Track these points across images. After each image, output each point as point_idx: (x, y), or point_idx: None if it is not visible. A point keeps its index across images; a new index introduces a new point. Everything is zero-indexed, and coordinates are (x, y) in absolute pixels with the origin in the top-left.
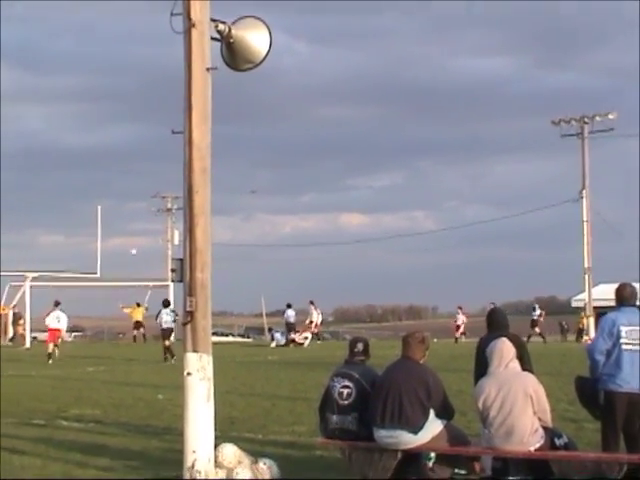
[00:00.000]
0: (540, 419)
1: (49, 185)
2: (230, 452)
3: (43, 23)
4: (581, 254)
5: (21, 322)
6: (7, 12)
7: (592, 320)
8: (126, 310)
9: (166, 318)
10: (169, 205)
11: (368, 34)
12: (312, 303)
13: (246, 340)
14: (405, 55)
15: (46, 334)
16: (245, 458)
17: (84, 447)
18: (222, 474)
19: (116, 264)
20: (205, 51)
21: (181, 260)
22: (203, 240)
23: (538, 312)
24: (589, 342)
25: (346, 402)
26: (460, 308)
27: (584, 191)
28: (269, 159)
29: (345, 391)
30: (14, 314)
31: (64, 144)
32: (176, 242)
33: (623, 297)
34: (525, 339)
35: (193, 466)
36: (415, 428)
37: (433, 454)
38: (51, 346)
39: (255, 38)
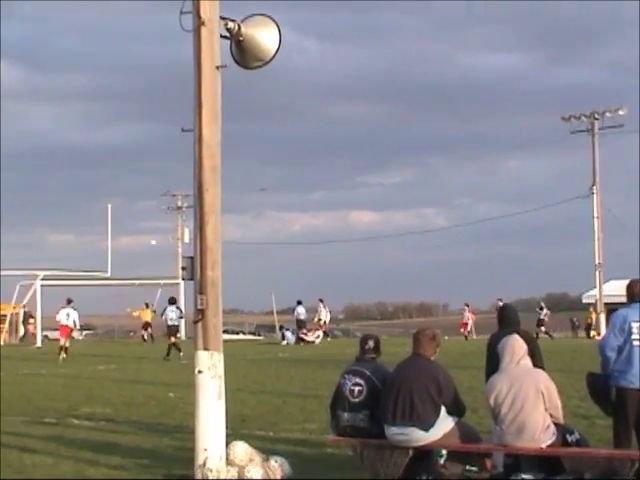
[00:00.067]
0: (552, 415)
1: (58, 184)
2: (241, 450)
3: (51, 22)
4: (592, 250)
5: (31, 321)
6: (16, 11)
7: (603, 316)
8: (135, 314)
9: (171, 315)
10: (179, 203)
11: (378, 31)
12: (321, 301)
13: (257, 338)
14: (415, 52)
15: (57, 332)
16: (256, 456)
17: (95, 445)
18: (233, 472)
19: (126, 263)
20: (215, 49)
21: (192, 258)
22: (213, 238)
23: (545, 311)
24: (597, 337)
25: (357, 399)
26: (467, 305)
27: (594, 187)
28: (279, 157)
29: (356, 388)
30: (24, 313)
31: (73, 143)
32: (186, 240)
33: (634, 293)
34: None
35: (204, 464)
36: (426, 425)
37: (444, 451)
38: (62, 340)
39: (265, 36)
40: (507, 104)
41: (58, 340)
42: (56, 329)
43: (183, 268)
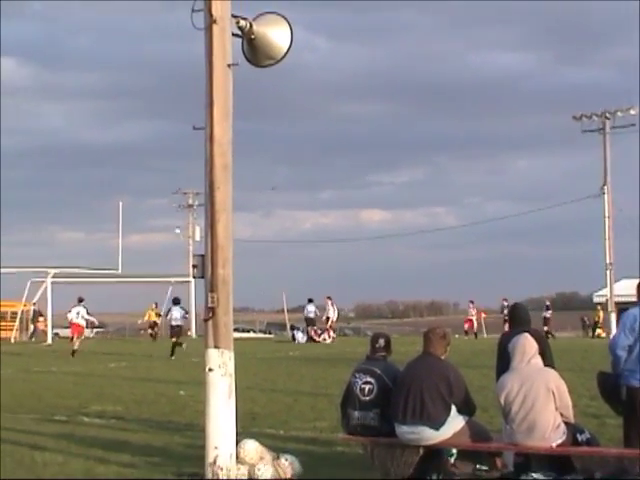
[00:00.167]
0: (562, 415)
1: (69, 182)
2: (252, 448)
3: (62, 21)
4: (603, 249)
5: (41, 319)
6: (27, 10)
7: (614, 316)
8: (145, 318)
9: (176, 315)
10: (190, 201)
11: (388, 30)
12: (329, 298)
13: (267, 336)
14: (425, 51)
15: (67, 330)
16: (267, 454)
17: (106, 443)
18: (244, 470)
19: (137, 260)
20: (226, 47)
21: (202, 256)
22: (224, 236)
23: (550, 311)
24: (602, 335)
25: (368, 398)
26: (472, 302)
27: (605, 187)
28: (289, 155)
29: (367, 387)
30: (34, 311)
31: (83, 141)
32: (197, 238)
33: None
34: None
35: (215, 462)
36: (437, 424)
37: (455, 450)
38: (74, 338)
39: (276, 34)
40: (517, 103)
41: (70, 338)
42: (67, 327)
43: (194, 266)
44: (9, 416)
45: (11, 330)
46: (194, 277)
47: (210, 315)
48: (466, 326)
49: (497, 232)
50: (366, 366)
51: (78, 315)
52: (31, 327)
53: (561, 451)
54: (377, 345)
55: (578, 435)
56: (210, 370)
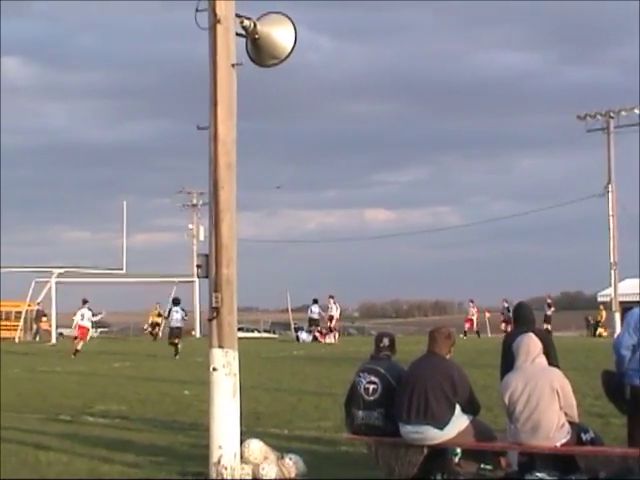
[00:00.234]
0: (566, 414)
1: (73, 181)
2: (256, 447)
3: (66, 20)
4: (607, 249)
5: (44, 319)
6: (31, 9)
7: (618, 315)
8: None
9: (176, 316)
10: (194, 201)
11: (392, 29)
12: (332, 297)
13: (272, 336)
14: (429, 50)
15: (72, 330)
16: (271, 453)
17: (110, 443)
18: (248, 469)
19: (141, 260)
20: (230, 47)
21: (207, 256)
22: (228, 236)
23: (553, 309)
24: (604, 334)
25: (372, 398)
26: (471, 301)
27: (610, 186)
28: (294, 155)
29: (371, 387)
30: (37, 311)
31: (87, 140)
32: (201, 238)
33: None
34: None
35: (219, 462)
36: (441, 423)
37: (459, 449)
38: (80, 344)
39: (280, 34)
40: (521, 103)
41: (74, 337)
42: (70, 326)
43: (198, 266)
44: (14, 415)
45: (15, 330)
46: (198, 277)
47: (214, 315)
48: (467, 326)
49: (501, 231)
50: (370, 366)
51: (83, 317)
52: (34, 327)
53: (565, 450)
54: (381, 344)
55: (582, 434)
56: (214, 370)
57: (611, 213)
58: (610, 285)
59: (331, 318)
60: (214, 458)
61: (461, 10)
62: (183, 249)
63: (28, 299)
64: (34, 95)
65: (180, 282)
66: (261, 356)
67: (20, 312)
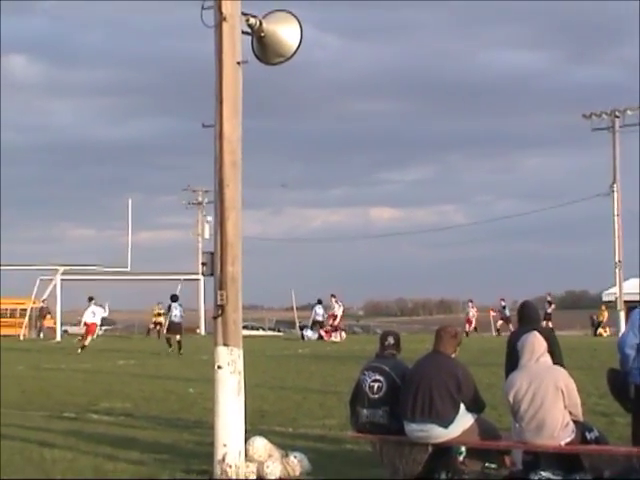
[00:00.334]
0: (571, 413)
1: (78, 179)
2: (261, 445)
3: (72, 18)
4: (612, 248)
5: (48, 317)
6: (36, 7)
7: (622, 314)
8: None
9: (176, 312)
10: (200, 199)
11: (399, 28)
12: (334, 296)
13: (276, 334)
14: (436, 49)
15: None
16: (275, 451)
17: (114, 440)
18: (253, 467)
19: (146, 258)
20: (236, 45)
21: (212, 254)
22: (234, 234)
23: (553, 306)
24: (604, 335)
25: (377, 396)
26: (471, 301)
27: (615, 185)
28: (299, 153)
29: (376, 385)
30: (41, 308)
31: (93, 138)
32: (207, 236)
33: None
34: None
35: (224, 459)
36: (446, 422)
37: (464, 448)
38: (88, 339)
39: (286, 32)
40: (527, 102)
41: (83, 335)
42: (75, 324)
43: (203, 264)
44: (18, 413)
45: (20, 327)
46: (203, 275)
47: (219, 313)
48: (467, 326)
49: (507, 230)
50: (375, 364)
51: (94, 315)
52: (39, 324)
53: (570, 449)
54: (386, 343)
55: (587, 433)
56: (219, 367)
57: (616, 212)
58: (615, 284)
59: (334, 317)
60: (218, 456)
61: (467, 9)
62: (188, 247)
63: (33, 296)
64: (39, 93)
65: (185, 280)
66: (266, 354)
67: (25, 309)
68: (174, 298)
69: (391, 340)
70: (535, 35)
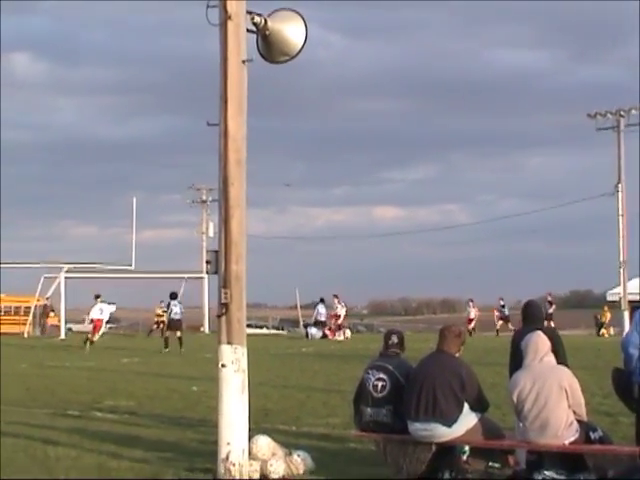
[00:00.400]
0: (575, 413)
1: (82, 177)
2: (264, 444)
3: (75, 16)
4: (616, 248)
5: (52, 314)
6: (40, 5)
7: (627, 314)
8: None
9: (176, 310)
10: (204, 197)
11: (403, 27)
12: (336, 297)
13: (280, 332)
14: (440, 48)
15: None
16: (279, 450)
17: (118, 438)
18: (256, 466)
19: (150, 256)
20: (241, 43)
21: (216, 252)
22: (238, 232)
23: (554, 306)
24: (606, 335)
25: (380, 395)
26: (471, 301)
27: (620, 185)
28: (303, 152)
29: (379, 384)
30: (44, 306)
31: (97, 136)
32: (211, 234)
33: None
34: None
35: (227, 458)
36: (449, 421)
37: (467, 448)
38: (96, 336)
39: (291, 30)
40: (531, 101)
41: (91, 333)
42: (80, 322)
43: (208, 262)
44: (22, 410)
45: (24, 325)
46: (207, 273)
47: (223, 311)
48: (468, 326)
49: (510, 230)
50: (379, 363)
51: (101, 312)
52: (42, 322)
53: (574, 449)
54: (390, 342)
55: (591, 433)
56: (223, 366)
57: (621, 212)
58: (619, 284)
59: (337, 317)
60: (222, 454)
61: (469, 9)
62: (192, 245)
63: (37, 294)
64: (43, 91)
65: (189, 278)
66: (270, 353)
67: (29, 307)
68: (173, 296)
69: (395, 339)
70: (536, 34)
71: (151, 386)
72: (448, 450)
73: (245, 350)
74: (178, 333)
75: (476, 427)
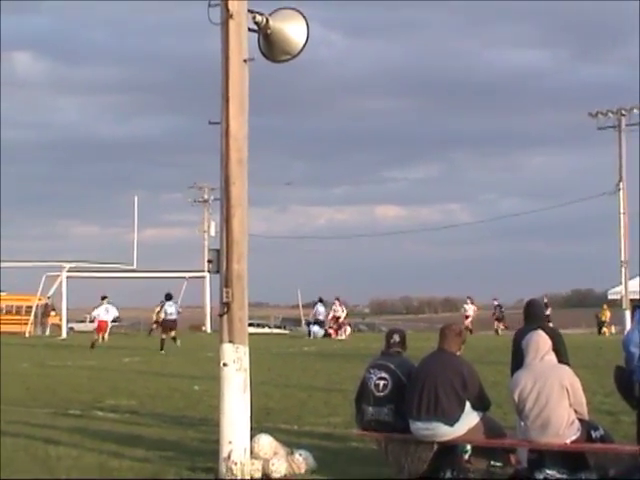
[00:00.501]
0: (576, 411)
1: (84, 176)
2: (266, 443)
3: (78, 15)
4: (618, 247)
5: (53, 313)
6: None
7: (628, 312)
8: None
9: (170, 310)
10: (205, 196)
11: (404, 27)
12: (337, 299)
13: (282, 331)
14: (442, 48)
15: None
16: (281, 449)
17: (119, 437)
18: (258, 465)
19: (151, 255)
20: (242, 42)
21: (218, 251)
22: (239, 231)
23: (550, 309)
24: (606, 334)
25: (382, 394)
26: (469, 298)
27: (621, 183)
28: (304, 151)
29: (381, 383)
30: (45, 305)
31: (98, 135)
32: (212, 233)
33: None
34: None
35: (229, 457)
36: (451, 420)
37: (469, 447)
38: (99, 336)
39: (292, 29)
40: (532, 100)
41: (101, 335)
42: (82, 321)
43: (209, 261)
44: (23, 410)
45: (26, 324)
46: (209, 272)
47: (225, 310)
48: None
49: (512, 229)
50: (381, 362)
51: (107, 312)
52: (43, 321)
53: (575, 448)
54: (392, 341)
55: (592, 432)
56: (225, 365)
57: (622, 211)
58: (620, 283)
59: (337, 319)
60: (224, 453)
61: (471, 9)
62: (194, 244)
63: (39, 293)
64: (44, 90)
65: (191, 277)
66: (271, 352)
67: (30, 306)
68: (168, 297)
69: (397, 338)
70: (537, 34)
71: (152, 385)
72: (450, 449)
73: (247, 349)
74: (172, 333)
75: (478, 426)
